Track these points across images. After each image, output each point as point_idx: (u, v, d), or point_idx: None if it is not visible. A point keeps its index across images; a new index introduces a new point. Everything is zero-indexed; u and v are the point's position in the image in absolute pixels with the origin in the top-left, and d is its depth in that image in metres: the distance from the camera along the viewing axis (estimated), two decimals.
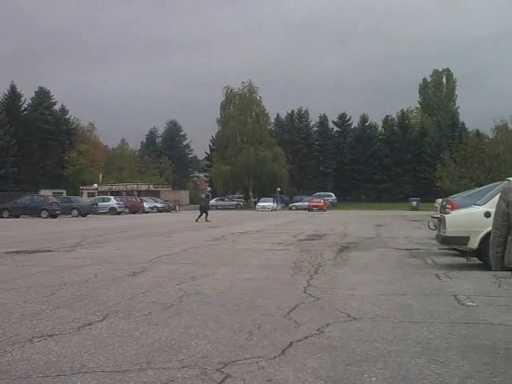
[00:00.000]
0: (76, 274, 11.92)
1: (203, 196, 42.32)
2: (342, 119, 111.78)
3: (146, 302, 8.54)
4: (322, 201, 73.21)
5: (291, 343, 6.08)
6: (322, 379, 4.95)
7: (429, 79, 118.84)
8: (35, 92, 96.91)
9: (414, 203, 70.77)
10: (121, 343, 6.09)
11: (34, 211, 48.41)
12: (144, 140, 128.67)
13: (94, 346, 5.96)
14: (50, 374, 5.06)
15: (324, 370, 5.20)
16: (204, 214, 40.53)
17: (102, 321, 7.18)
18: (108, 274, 11.78)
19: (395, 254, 15.96)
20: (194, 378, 4.95)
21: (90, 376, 4.99)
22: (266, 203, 74.54)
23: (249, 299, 8.79)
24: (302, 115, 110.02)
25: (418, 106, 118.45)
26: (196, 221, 38.90)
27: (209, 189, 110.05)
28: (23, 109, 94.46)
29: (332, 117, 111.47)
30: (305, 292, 9.40)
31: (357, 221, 36.61)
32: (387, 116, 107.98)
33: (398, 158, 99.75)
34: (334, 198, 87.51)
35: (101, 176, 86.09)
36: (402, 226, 32.87)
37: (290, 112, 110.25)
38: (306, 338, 6.34)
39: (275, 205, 76.11)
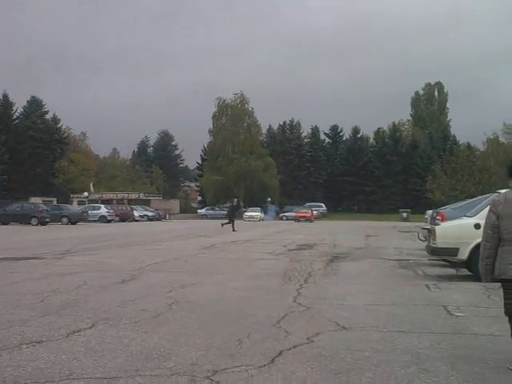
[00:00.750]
0: (65, 281, 11.87)
1: (232, 203, 39.96)
2: (334, 131, 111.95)
3: (135, 309, 8.52)
4: (310, 211, 71.03)
5: (281, 352, 6.06)
6: None
7: (421, 92, 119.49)
8: (27, 101, 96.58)
9: (405, 214, 70.96)
10: (110, 350, 6.07)
11: (24, 218, 48.23)
12: (135, 149, 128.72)
13: (82, 353, 5.93)
14: (39, 380, 5.03)
15: (313, 378, 5.19)
16: (232, 222, 38.49)
17: (90, 328, 7.15)
18: (97, 282, 11.74)
19: (385, 265, 15.98)
20: None
21: (78, 383, 4.97)
22: (254, 213, 73.77)
23: (238, 308, 8.79)
24: (293, 126, 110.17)
25: (410, 118, 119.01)
26: (222, 225, 38.77)
27: (199, 198, 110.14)
28: (15, 117, 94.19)
29: (324, 128, 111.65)
30: (294, 301, 9.39)
31: (347, 231, 36.66)
32: (379, 128, 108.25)
33: (389, 170, 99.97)
34: (325, 208, 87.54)
35: (92, 185, 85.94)
36: (392, 236, 32.94)
37: (281, 123, 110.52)
38: (295, 346, 6.33)
39: (263, 215, 75.79)
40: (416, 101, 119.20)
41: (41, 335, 6.71)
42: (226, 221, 39.34)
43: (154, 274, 13.22)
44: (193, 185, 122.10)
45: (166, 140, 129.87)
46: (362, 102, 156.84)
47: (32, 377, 5.12)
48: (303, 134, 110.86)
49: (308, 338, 6.68)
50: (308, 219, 66.44)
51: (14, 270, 13.98)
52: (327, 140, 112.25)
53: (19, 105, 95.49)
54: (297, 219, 66.69)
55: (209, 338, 6.65)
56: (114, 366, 5.50)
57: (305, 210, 71.71)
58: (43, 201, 65.39)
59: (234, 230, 36.53)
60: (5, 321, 7.57)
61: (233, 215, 39.98)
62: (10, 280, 12.05)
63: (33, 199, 68.69)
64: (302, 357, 5.92)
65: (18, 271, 13.79)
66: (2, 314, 8.11)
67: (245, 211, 80.00)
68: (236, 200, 40.21)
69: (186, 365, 5.52)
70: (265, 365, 5.57)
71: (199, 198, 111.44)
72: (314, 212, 79.26)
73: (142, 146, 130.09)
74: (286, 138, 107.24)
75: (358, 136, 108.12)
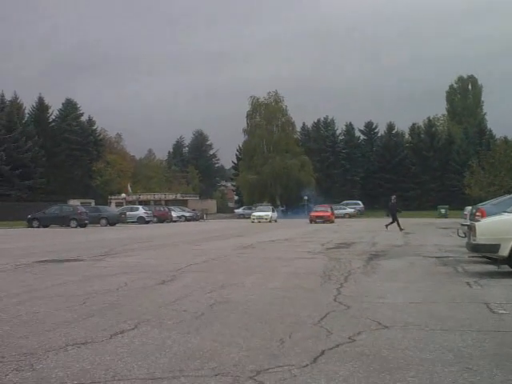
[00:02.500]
0: (106, 282, 12.03)
1: (391, 200, 37.33)
2: (369, 127, 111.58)
3: (176, 310, 8.58)
4: (330, 209, 58.18)
5: (323, 351, 6.07)
6: None
7: (455, 86, 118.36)
8: (62, 104, 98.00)
9: (443, 211, 70.31)
10: (153, 351, 6.13)
11: (63, 221, 48.79)
12: (171, 150, 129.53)
13: (126, 354, 6.00)
14: (85, 381, 5.11)
15: (356, 378, 5.18)
16: (396, 221, 36.26)
17: (133, 329, 7.22)
18: (138, 283, 11.86)
19: (425, 262, 15.86)
20: None
21: (123, 383, 5.03)
22: (264, 212, 63.47)
23: (279, 307, 8.80)
24: (328, 124, 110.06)
25: (445, 113, 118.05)
26: (386, 226, 35.84)
27: (236, 197, 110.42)
28: (51, 120, 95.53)
29: (358, 125, 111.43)
30: (335, 300, 9.38)
31: (385, 229, 36.38)
32: (414, 124, 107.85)
33: (425, 166, 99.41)
34: (362, 206, 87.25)
35: (129, 186, 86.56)
36: (430, 233, 32.66)
37: (316, 121, 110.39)
38: (337, 346, 6.33)
39: (275, 214, 65.74)
40: (450, 95, 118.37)
41: (85, 336, 6.79)
42: (390, 221, 37.05)
43: (194, 275, 13.29)
44: (229, 184, 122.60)
45: (200, 140, 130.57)
46: (395, 98, 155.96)
47: (78, 377, 5.20)
48: (338, 132, 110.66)
49: (350, 337, 6.68)
50: (327, 219, 54.58)
51: (57, 273, 14.20)
52: (362, 137, 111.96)
53: (55, 108, 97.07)
54: (313, 220, 54.64)
55: (251, 338, 6.68)
56: (157, 366, 5.55)
57: (322, 209, 58.62)
58: (81, 203, 66.16)
59: (401, 230, 34.71)
60: (50, 322, 7.69)
61: (394, 213, 37.22)
62: (52, 282, 12.21)
63: (71, 201, 69.53)
64: (344, 356, 5.91)
65: (60, 273, 13.99)
66: (46, 315, 8.24)
67: (282, 210, 79.34)
68: (394, 197, 38.01)
69: (229, 365, 5.56)
70: (307, 364, 5.58)
71: (236, 197, 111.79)
72: (351, 210, 79.01)
73: (178, 146, 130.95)
74: (320, 136, 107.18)
75: (393, 132, 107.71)
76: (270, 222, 60.61)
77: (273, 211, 65.56)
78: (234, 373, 5.30)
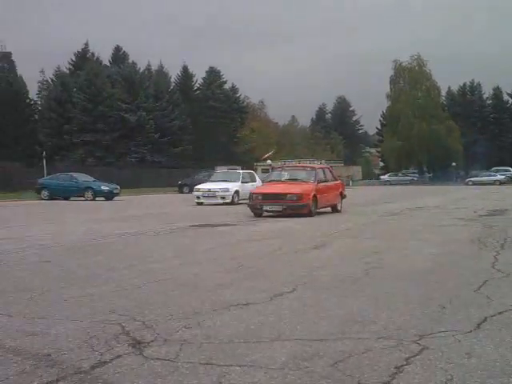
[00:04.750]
0: (260, 246, 12.37)
1: None
2: None
3: (331, 274, 8.64)
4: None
5: (485, 318, 5.92)
6: None
7: None
8: (206, 72, 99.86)
9: None
10: (313, 313, 6.21)
11: None
12: (313, 116, 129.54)
13: (287, 316, 6.11)
14: (251, 340, 5.26)
15: None
16: None
17: (292, 292, 7.34)
18: (290, 247, 12.05)
19: None
20: (391, 348, 4.95)
21: (289, 343, 5.13)
22: (218, 185, 32.74)
23: (435, 273, 8.67)
24: (474, 88, 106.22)
25: None
26: None
27: (381, 164, 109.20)
28: (195, 88, 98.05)
29: (506, 89, 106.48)
30: (493, 267, 9.12)
31: None
32: None
33: None
34: None
35: (268, 156, 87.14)
36: None
37: (461, 85, 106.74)
38: (500, 313, 6.16)
39: (250, 186, 30.28)
40: None
41: (246, 298, 6.98)
42: None
43: (346, 240, 13.36)
44: (373, 150, 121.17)
45: (343, 106, 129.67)
46: None
47: (244, 336, 5.37)
48: (485, 96, 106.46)
49: None
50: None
51: (211, 236, 14.75)
52: (511, 100, 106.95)
53: (198, 76, 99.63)
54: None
55: (410, 304, 6.62)
56: (319, 328, 5.63)
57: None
58: (228, 169, 67.49)
59: None
60: (210, 284, 7.97)
61: None
62: (208, 245, 12.64)
63: (218, 168, 70.97)
64: (508, 323, 5.76)
65: (214, 237, 14.49)
66: (206, 277, 8.55)
67: (429, 177, 76.87)
68: None
69: (391, 329, 5.55)
70: (471, 330, 5.48)
71: (381, 163, 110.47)
72: (501, 177, 75.79)
73: (320, 112, 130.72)
74: (466, 101, 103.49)
75: None
76: (228, 203, 31.04)
77: (247, 181, 33.73)
78: (397, 337, 5.28)
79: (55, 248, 12.59)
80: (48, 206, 33.54)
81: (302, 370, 4.41)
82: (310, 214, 20.33)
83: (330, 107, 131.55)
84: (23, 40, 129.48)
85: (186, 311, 6.34)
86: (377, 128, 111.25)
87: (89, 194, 40.22)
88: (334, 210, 23.11)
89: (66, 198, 40.95)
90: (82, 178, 43.62)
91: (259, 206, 21.28)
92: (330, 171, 24.71)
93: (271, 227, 16.83)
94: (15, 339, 5.31)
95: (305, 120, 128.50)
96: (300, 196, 20.69)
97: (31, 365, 4.61)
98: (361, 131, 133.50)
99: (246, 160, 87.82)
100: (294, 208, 20.53)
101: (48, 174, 49.99)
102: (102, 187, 41.05)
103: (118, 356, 4.81)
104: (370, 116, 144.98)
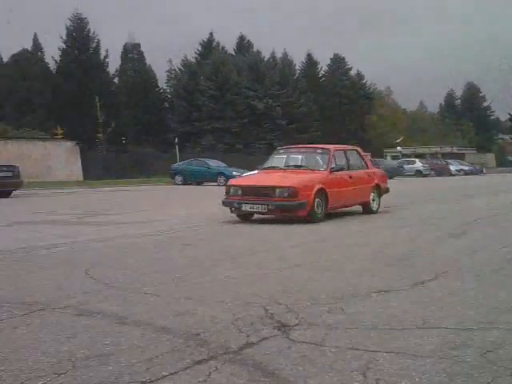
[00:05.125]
0: (400, 233, 12.33)
1: None
2: None
3: (473, 264, 8.43)
4: None
5: None
6: None
7: None
8: (330, 59, 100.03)
9: None
10: (458, 302, 6.07)
11: None
12: (442, 102, 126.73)
13: (430, 304, 6.00)
14: (395, 326, 5.20)
15: None
16: None
17: (433, 280, 7.19)
18: (430, 235, 11.89)
19: None
20: None
21: (434, 331, 5.04)
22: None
23: None
24: None
25: None
26: None
27: None
28: (320, 75, 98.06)
29: None
30: None
31: None
32: None
33: None
34: None
35: (401, 140, 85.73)
36: None
37: None
38: None
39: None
40: None
41: (386, 285, 6.91)
42: None
43: (486, 229, 13.02)
44: (507, 137, 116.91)
45: (472, 92, 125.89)
46: None
47: (388, 322, 5.32)
48: None
49: None
50: None
51: (351, 222, 14.91)
52: None
53: (323, 63, 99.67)
54: None
55: None
56: (465, 317, 5.49)
57: None
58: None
59: None
60: (349, 270, 7.96)
61: None
62: (344, 231, 12.68)
63: None
64: None
65: (348, 223, 14.47)
66: (345, 263, 8.59)
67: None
68: None
69: None
70: None
71: None
72: None
73: (449, 98, 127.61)
74: None
75: None
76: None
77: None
78: None
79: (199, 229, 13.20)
80: (184, 191, 34.54)
81: (451, 359, 4.32)
82: (310, 218, 14.27)
83: (458, 93, 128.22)
84: (150, 30, 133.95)
85: (329, 296, 6.36)
86: (509, 114, 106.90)
87: (221, 180, 40.97)
88: (366, 210, 17.08)
89: (199, 183, 42.05)
90: (214, 163, 44.61)
91: (236, 204, 14.89)
92: (359, 154, 17.98)
93: (411, 214, 16.59)
94: (164, 318, 5.50)
95: (433, 106, 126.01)
96: (294, 191, 14.12)
97: (182, 343, 4.74)
98: (492, 117, 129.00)
99: (376, 147, 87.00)
100: (285, 208, 14.33)
101: (180, 159, 51.41)
102: (234, 173, 41.79)
103: (265, 338, 4.88)
104: (502, 102, 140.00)
